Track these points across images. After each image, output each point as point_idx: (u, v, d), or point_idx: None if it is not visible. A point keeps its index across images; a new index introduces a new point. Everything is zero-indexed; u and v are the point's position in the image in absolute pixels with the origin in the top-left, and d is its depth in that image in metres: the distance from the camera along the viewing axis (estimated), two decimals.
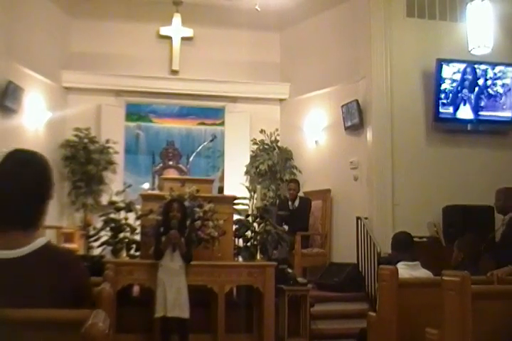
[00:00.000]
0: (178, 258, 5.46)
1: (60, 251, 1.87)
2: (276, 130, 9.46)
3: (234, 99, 9.82)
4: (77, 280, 1.79)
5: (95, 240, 6.10)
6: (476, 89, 7.82)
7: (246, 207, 7.66)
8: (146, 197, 6.32)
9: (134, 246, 6.07)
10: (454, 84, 7.76)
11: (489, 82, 7.84)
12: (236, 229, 6.32)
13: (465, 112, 7.78)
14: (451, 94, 7.75)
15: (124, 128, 9.59)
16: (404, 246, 4.38)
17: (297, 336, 6.09)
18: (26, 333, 1.51)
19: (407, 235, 4.53)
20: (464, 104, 7.78)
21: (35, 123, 8.23)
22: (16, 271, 1.67)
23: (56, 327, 1.53)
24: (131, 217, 6.17)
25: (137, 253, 6.08)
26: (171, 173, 9.69)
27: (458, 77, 7.76)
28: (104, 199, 8.08)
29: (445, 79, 7.72)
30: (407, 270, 4.02)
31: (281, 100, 9.88)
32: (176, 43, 9.58)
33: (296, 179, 8.72)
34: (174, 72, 9.62)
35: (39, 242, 1.76)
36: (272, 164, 9.17)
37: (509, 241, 5.04)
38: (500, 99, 7.86)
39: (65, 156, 8.77)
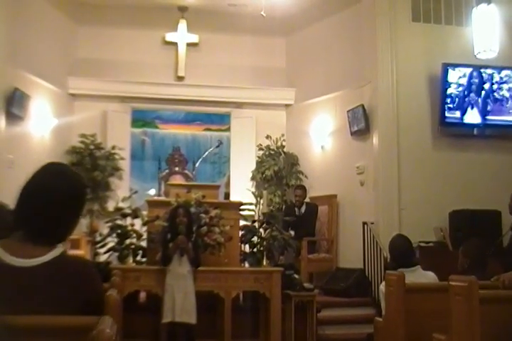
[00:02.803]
0: (186, 263, 5.47)
1: (73, 262, 1.84)
2: (282, 135, 9.46)
3: (239, 105, 9.83)
4: (88, 294, 1.76)
5: (101, 246, 6.11)
6: (482, 93, 7.80)
7: (252, 213, 7.65)
8: (152, 203, 6.33)
9: (140, 252, 6.09)
10: (460, 89, 7.75)
11: (495, 86, 7.82)
12: (242, 234, 6.33)
13: (472, 116, 7.76)
14: (457, 99, 7.74)
15: (129, 134, 9.61)
16: (399, 253, 4.34)
17: None
18: (34, 340, 1.51)
19: (403, 241, 4.42)
20: (472, 109, 7.76)
21: (42, 129, 8.24)
22: (25, 280, 1.67)
23: (64, 333, 1.53)
24: (138, 223, 6.19)
25: (144, 260, 6.10)
26: (177, 179, 9.70)
27: (464, 81, 7.75)
28: (111, 206, 8.09)
29: (451, 83, 7.71)
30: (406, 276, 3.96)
31: (286, 105, 9.88)
32: (182, 49, 9.60)
33: (303, 185, 8.71)
34: (180, 78, 9.63)
35: (53, 253, 1.74)
36: (278, 169, 9.17)
37: None
38: (507, 103, 7.83)
39: (71, 163, 8.75)
